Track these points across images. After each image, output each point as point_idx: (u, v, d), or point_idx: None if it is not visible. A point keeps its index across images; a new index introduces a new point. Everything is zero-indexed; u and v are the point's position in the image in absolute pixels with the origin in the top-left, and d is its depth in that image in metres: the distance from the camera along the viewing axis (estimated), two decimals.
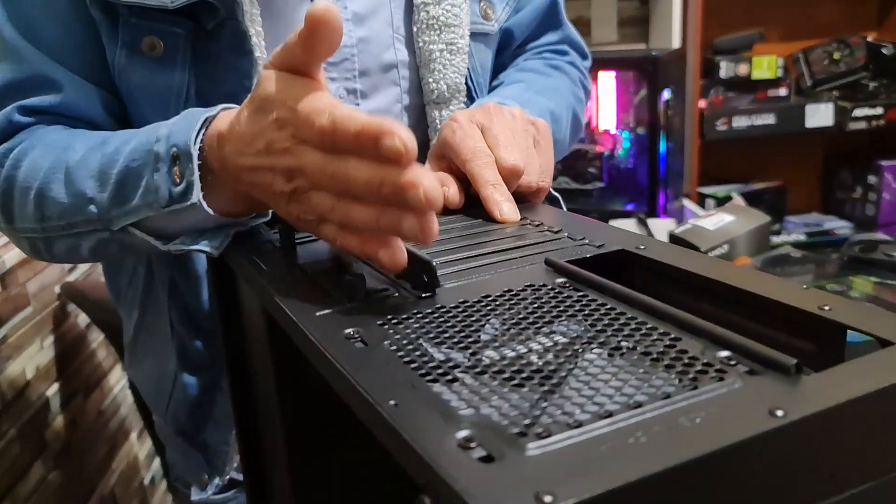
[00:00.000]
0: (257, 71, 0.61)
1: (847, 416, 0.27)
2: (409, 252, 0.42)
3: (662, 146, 1.88)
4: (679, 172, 1.96)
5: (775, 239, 1.96)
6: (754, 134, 1.96)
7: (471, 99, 0.74)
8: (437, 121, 0.71)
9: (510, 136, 0.59)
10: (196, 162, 0.51)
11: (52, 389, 1.29)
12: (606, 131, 1.93)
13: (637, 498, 0.23)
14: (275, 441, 0.55)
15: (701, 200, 2.02)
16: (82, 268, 1.45)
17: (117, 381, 1.53)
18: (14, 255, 1.19)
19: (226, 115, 0.51)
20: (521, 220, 0.54)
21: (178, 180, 0.51)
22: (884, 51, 2.05)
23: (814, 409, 0.26)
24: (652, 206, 1.86)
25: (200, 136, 0.51)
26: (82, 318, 1.41)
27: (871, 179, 2.10)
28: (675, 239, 1.29)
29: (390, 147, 0.39)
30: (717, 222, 1.26)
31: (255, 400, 0.60)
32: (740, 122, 1.95)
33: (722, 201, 1.92)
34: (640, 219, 1.65)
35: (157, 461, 1.64)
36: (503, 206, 0.55)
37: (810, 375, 0.29)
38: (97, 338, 1.47)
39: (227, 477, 0.76)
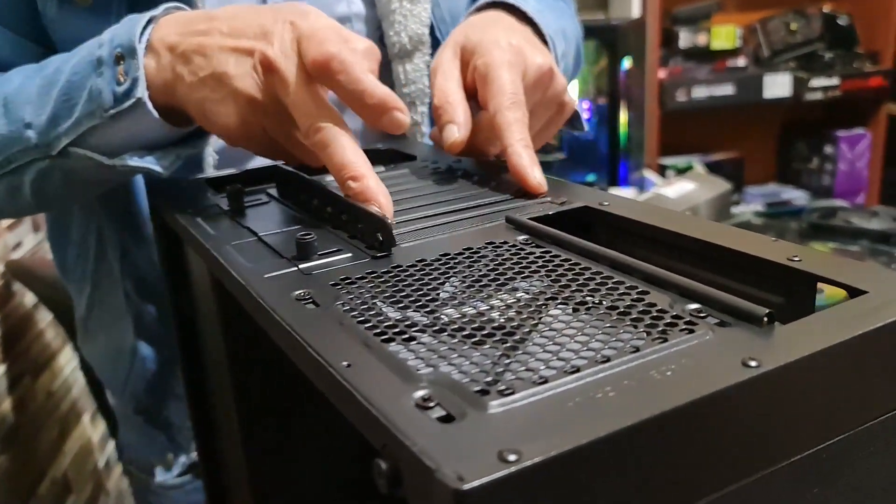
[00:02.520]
0: None
1: (821, 365, 0.26)
2: (363, 211, 0.40)
3: (623, 116, 1.87)
4: (640, 143, 1.95)
5: (734, 210, 1.97)
6: (713, 104, 1.97)
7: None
8: (402, 75, 0.68)
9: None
10: (141, 58, 0.48)
11: None
12: None
13: (608, 454, 0.22)
14: (227, 413, 0.53)
15: (661, 171, 2.03)
16: (28, 245, 1.40)
17: (67, 361, 1.48)
18: None
19: (178, 11, 0.51)
20: (479, 177, 0.52)
21: (121, 79, 0.49)
22: (839, 21, 2.06)
23: (788, 359, 0.25)
24: (613, 178, 1.86)
25: (147, 33, 0.49)
26: (29, 298, 1.36)
27: (828, 150, 2.12)
28: None
29: (397, 120, 0.45)
30: (680, 190, 1.26)
31: (206, 371, 0.58)
32: (699, 92, 1.95)
33: (682, 172, 1.92)
34: (600, 188, 1.64)
35: (111, 444, 1.60)
36: (536, 172, 0.49)
37: (782, 326, 0.28)
38: (46, 318, 1.42)
39: (193, 454, 0.73)
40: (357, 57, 0.46)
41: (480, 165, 0.55)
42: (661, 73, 1.97)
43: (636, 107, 1.89)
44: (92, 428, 1.55)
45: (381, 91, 0.46)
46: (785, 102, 2.03)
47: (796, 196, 2.14)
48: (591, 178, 1.89)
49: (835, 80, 2.00)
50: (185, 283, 0.57)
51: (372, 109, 0.46)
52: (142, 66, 0.48)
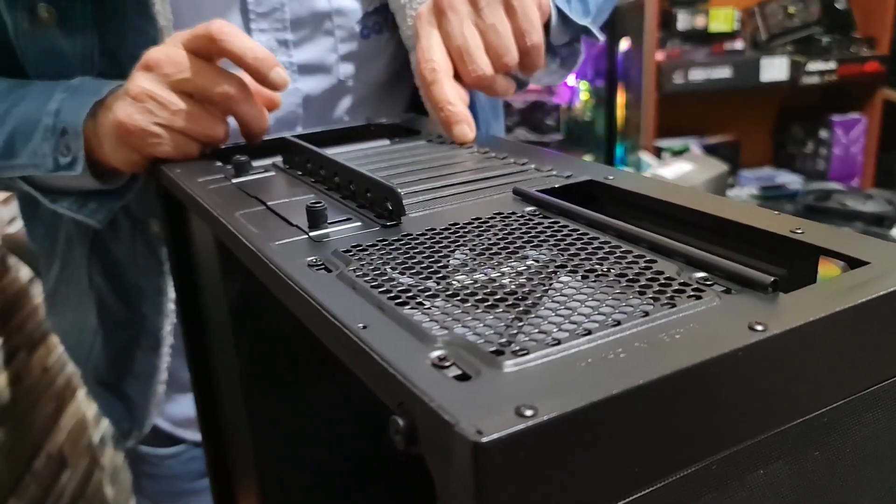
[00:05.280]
0: (162, 36, 0.59)
1: (824, 330, 0.27)
2: (373, 180, 0.41)
3: (620, 98, 1.87)
4: (636, 125, 1.96)
5: (729, 193, 1.98)
6: (710, 87, 1.97)
7: None
8: None
9: (471, 28, 0.56)
10: (81, 141, 0.56)
11: None
12: (564, 83, 1.92)
13: (620, 411, 0.23)
14: (230, 382, 0.54)
15: (658, 153, 2.03)
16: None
17: None
18: None
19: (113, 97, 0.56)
20: (484, 152, 0.53)
21: (65, 152, 0.56)
22: (837, 5, 2.06)
23: (792, 324, 0.26)
24: (609, 159, 1.86)
25: (89, 116, 0.56)
26: (25, 272, 1.36)
27: (823, 134, 2.13)
28: None
29: (277, 78, 0.54)
30: (677, 171, 1.27)
31: (208, 340, 0.58)
32: (697, 74, 1.95)
33: (678, 154, 1.93)
34: None
35: (106, 420, 1.60)
36: (454, 128, 0.55)
37: (786, 294, 0.28)
38: (41, 293, 1.42)
39: (146, 431, 0.75)
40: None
41: (485, 140, 0.56)
42: (659, 55, 1.96)
43: (633, 88, 1.90)
44: (87, 403, 1.56)
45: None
46: (782, 86, 2.03)
47: (791, 180, 2.15)
48: (587, 158, 1.90)
49: (832, 65, 2.00)
50: (187, 255, 0.57)
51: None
52: (82, 147, 0.56)
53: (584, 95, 1.91)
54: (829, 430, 0.28)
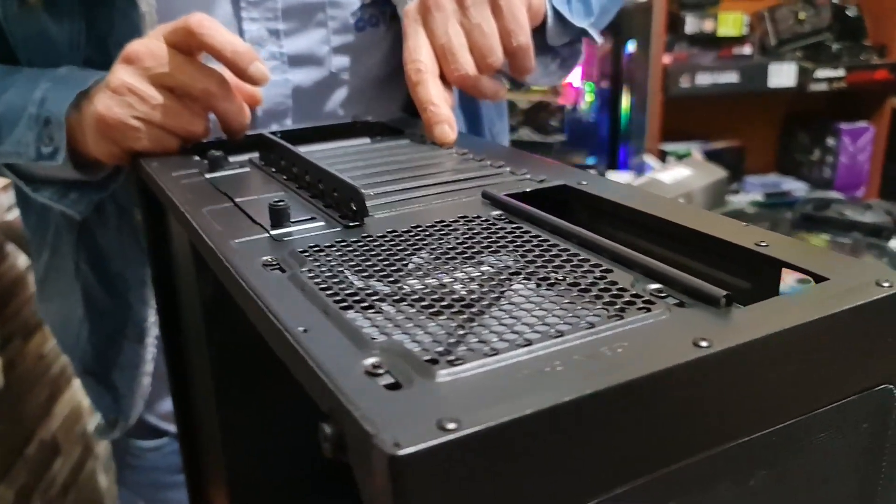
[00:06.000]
0: (144, 23, 0.59)
1: (773, 348, 0.26)
2: (338, 179, 0.40)
3: (625, 100, 1.86)
4: (641, 128, 1.94)
5: (733, 199, 1.96)
6: (716, 92, 1.95)
7: None
8: None
9: (455, 27, 0.56)
10: (63, 132, 0.56)
11: None
12: (570, 84, 1.91)
13: (548, 427, 0.22)
14: (203, 378, 0.53)
15: (662, 157, 2.02)
16: None
17: None
18: None
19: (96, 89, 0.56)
20: (463, 153, 0.52)
21: (48, 142, 0.57)
22: (848, 12, 2.04)
23: (740, 341, 0.25)
24: (612, 161, 1.85)
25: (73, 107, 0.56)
26: (22, 260, 1.36)
27: (830, 142, 2.11)
28: None
29: (256, 72, 0.54)
30: (675, 176, 1.26)
31: (184, 336, 0.58)
32: (703, 79, 1.94)
33: (682, 158, 1.91)
34: (599, 172, 1.64)
35: None
36: (434, 128, 0.55)
37: (740, 309, 0.28)
38: None
39: (132, 422, 0.75)
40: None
41: (466, 141, 0.55)
42: (666, 59, 1.95)
43: (639, 91, 1.88)
44: (82, 392, 1.56)
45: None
46: (789, 92, 2.02)
47: (796, 187, 2.13)
48: (590, 160, 1.89)
49: (840, 72, 1.98)
50: (165, 249, 0.57)
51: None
52: (64, 138, 0.56)
53: (588, 97, 1.90)
54: (778, 450, 0.28)
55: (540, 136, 1.91)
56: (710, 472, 0.26)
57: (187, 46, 0.53)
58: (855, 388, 0.29)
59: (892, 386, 0.30)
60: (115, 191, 0.65)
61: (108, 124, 0.53)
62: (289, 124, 0.68)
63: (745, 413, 0.26)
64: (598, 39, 0.69)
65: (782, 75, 1.98)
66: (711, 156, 1.98)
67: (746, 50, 2.00)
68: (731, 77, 1.94)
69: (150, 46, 0.53)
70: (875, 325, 0.28)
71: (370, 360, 0.25)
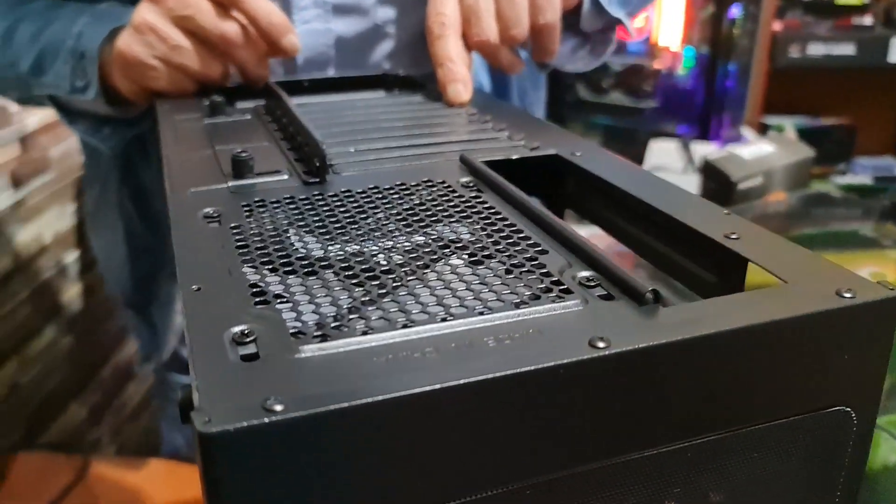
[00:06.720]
0: None
1: (690, 356, 0.23)
2: (308, 134, 0.39)
3: (726, 69, 1.75)
4: (741, 99, 1.83)
5: (839, 180, 1.83)
6: (830, 64, 1.81)
7: None
8: None
9: None
10: (96, 67, 0.57)
11: (71, 257, 1.31)
12: (668, 48, 1.81)
13: (392, 418, 0.20)
14: None
15: (763, 131, 1.90)
16: None
17: None
18: (36, 119, 1.19)
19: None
20: (471, 114, 0.49)
21: (81, 76, 0.57)
22: None
23: (644, 343, 0.22)
24: (704, 132, 1.75)
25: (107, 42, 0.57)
26: None
27: None
28: (708, 165, 1.21)
29: (289, 45, 0.54)
30: (756, 152, 1.17)
31: None
32: (816, 49, 1.80)
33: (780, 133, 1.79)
34: (683, 142, 1.56)
35: None
36: (448, 86, 0.52)
37: (668, 308, 0.25)
38: None
39: (165, 357, 0.77)
40: None
41: (480, 101, 0.53)
42: (776, 26, 1.82)
43: (742, 59, 1.77)
44: None
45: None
46: None
47: None
48: (681, 130, 1.80)
49: None
50: None
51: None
52: (96, 73, 0.57)
53: (687, 62, 1.80)
54: (695, 467, 0.25)
55: (631, 100, 1.82)
56: (590, 489, 0.23)
57: None
58: (798, 408, 0.25)
59: (848, 409, 0.26)
60: (143, 130, 0.65)
61: (128, 62, 0.54)
62: (330, 74, 0.66)
63: (645, 424, 0.23)
64: (633, 32, 0.65)
65: None
66: (817, 133, 1.85)
67: (867, 20, 1.84)
68: (847, 49, 1.79)
69: None
70: (828, 340, 0.25)
71: (239, 328, 0.23)
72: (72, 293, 1.31)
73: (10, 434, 1.13)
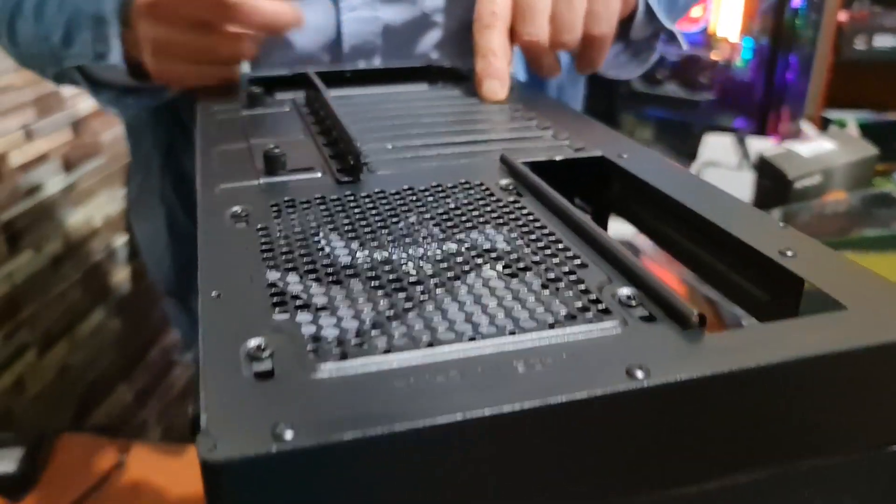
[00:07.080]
0: None
1: (735, 387, 0.21)
2: (343, 130, 0.38)
3: (787, 60, 1.69)
4: (802, 92, 1.77)
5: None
6: None
7: None
8: None
9: None
10: (117, 30, 0.55)
11: (120, 241, 1.33)
12: (725, 38, 1.76)
13: (407, 450, 0.19)
14: None
15: (824, 126, 1.83)
16: None
17: None
18: (88, 105, 1.21)
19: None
20: (516, 109, 0.48)
21: (103, 42, 0.56)
22: None
23: (685, 375, 0.21)
24: (761, 127, 1.70)
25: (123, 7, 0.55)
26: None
27: None
28: (763, 162, 1.17)
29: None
30: (815, 149, 1.12)
31: None
32: (883, 41, 1.73)
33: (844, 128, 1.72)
34: (739, 137, 1.51)
35: None
36: (484, 81, 0.50)
37: (715, 334, 0.23)
38: None
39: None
40: None
41: (523, 95, 0.51)
42: (842, 16, 1.75)
43: (804, 51, 1.71)
44: None
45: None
46: None
47: None
48: (738, 124, 1.74)
49: None
50: None
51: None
52: (117, 37, 0.55)
53: (746, 54, 1.74)
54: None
55: (687, 92, 1.78)
56: None
57: None
58: (855, 444, 0.23)
59: None
60: (166, 100, 0.64)
61: (160, 77, 0.54)
62: (376, 64, 0.65)
63: (685, 459, 0.22)
64: (684, 45, 0.63)
65: None
66: (882, 129, 1.77)
67: None
68: None
69: None
70: (892, 373, 0.23)
71: (255, 342, 0.22)
72: (121, 277, 1.34)
73: (60, 415, 1.15)
